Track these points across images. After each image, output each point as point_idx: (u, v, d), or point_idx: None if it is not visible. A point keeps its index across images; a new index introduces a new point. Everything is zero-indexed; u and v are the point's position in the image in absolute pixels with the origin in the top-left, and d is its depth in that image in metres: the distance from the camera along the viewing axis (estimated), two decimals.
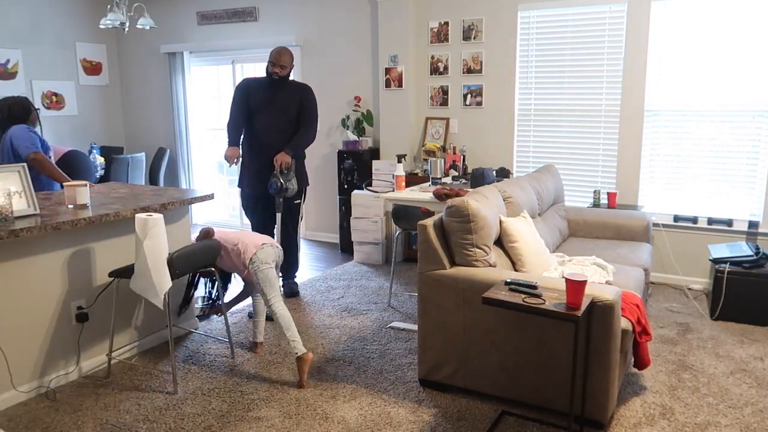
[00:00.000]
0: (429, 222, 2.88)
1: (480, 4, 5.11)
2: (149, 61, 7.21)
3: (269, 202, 4.32)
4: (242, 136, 4.32)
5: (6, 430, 2.67)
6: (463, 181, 4.53)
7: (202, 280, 3.92)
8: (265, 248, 3.26)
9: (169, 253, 2.92)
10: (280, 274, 4.09)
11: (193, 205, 5.01)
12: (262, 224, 4.41)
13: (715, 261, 3.94)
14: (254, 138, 4.27)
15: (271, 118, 4.22)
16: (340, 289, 4.64)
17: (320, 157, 6.17)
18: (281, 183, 4.05)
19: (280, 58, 4.12)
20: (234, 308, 4.22)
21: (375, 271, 5.14)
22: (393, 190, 4.18)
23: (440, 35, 5.32)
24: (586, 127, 4.88)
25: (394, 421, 2.71)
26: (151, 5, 6.94)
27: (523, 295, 2.37)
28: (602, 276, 3.21)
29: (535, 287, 2.41)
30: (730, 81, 4.32)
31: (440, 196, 3.66)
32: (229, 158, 4.24)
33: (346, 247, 5.75)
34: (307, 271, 5.17)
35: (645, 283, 3.58)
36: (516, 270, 3.10)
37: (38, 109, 4.26)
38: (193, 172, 7.17)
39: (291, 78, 4.34)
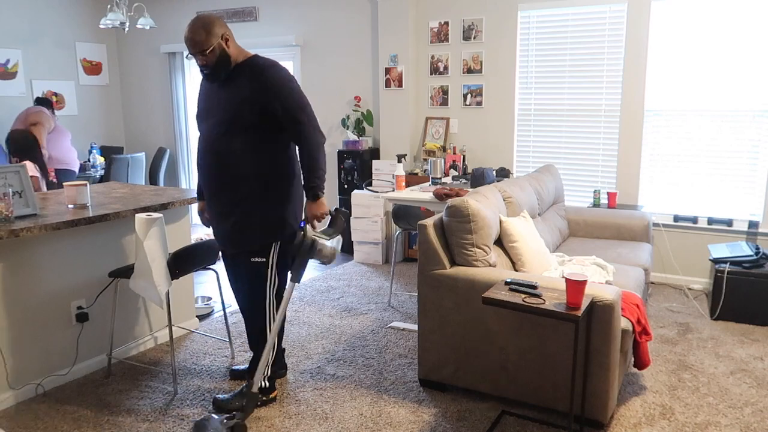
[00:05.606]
0: (429, 222, 2.88)
1: (480, 4, 5.11)
2: (149, 61, 7.21)
3: (227, 261, 2.88)
4: None
5: (5, 430, 2.67)
6: (463, 181, 4.53)
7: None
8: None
9: (169, 253, 2.92)
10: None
11: (193, 205, 4.99)
12: (233, 288, 2.90)
13: (715, 261, 3.94)
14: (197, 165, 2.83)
15: (206, 136, 2.71)
16: (340, 289, 4.64)
17: None
18: (307, 239, 2.58)
19: (193, 42, 2.52)
20: (234, 308, 4.22)
21: (375, 271, 5.14)
22: (393, 190, 4.18)
23: (440, 35, 5.32)
24: (586, 127, 4.88)
25: (394, 421, 2.71)
26: (151, 5, 6.94)
27: (523, 295, 2.37)
28: (602, 276, 3.21)
29: (535, 287, 2.41)
30: (731, 81, 4.32)
31: (440, 196, 3.66)
32: (200, 216, 3.00)
33: (346, 247, 5.75)
34: (307, 270, 5.17)
35: (645, 283, 3.58)
36: (516, 270, 3.10)
37: None
38: (193, 172, 7.17)
39: (241, 56, 2.65)
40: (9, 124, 6.16)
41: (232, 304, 4.31)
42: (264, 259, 2.71)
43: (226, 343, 3.58)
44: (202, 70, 2.62)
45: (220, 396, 2.83)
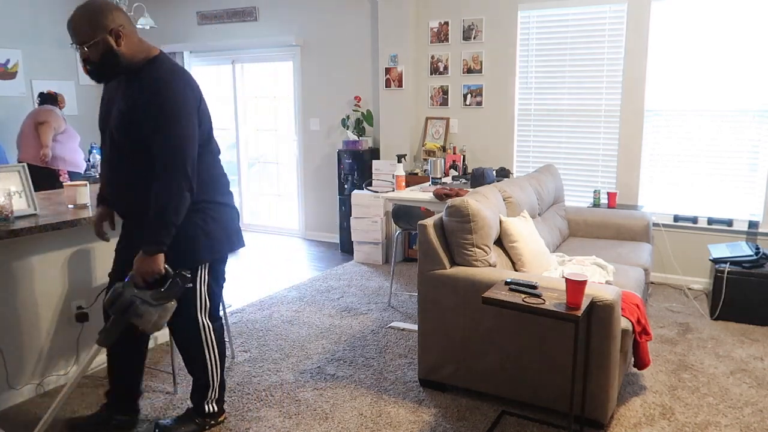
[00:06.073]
0: (429, 222, 2.88)
1: (480, 4, 5.11)
2: None
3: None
4: None
5: (5, 431, 2.67)
6: (463, 181, 4.53)
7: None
8: None
9: None
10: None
11: None
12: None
13: (715, 261, 3.94)
14: None
15: (107, 158, 2.37)
16: (340, 289, 4.64)
17: (320, 157, 6.17)
18: (125, 297, 2.26)
19: (72, 32, 2.15)
20: (234, 308, 4.22)
21: (375, 271, 5.14)
22: (393, 190, 4.18)
23: (440, 35, 5.31)
24: (586, 127, 4.88)
25: (394, 421, 2.71)
26: (151, 5, 6.94)
27: (523, 295, 2.37)
28: (602, 276, 3.21)
29: (535, 287, 2.41)
30: (730, 81, 4.32)
31: (440, 196, 3.66)
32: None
33: (346, 247, 5.75)
34: (307, 271, 5.17)
35: (645, 283, 3.58)
36: (516, 270, 3.10)
37: None
38: None
39: (141, 55, 2.32)
40: (9, 124, 6.17)
41: (232, 303, 4.31)
42: (191, 284, 2.40)
43: (225, 343, 3.57)
44: (84, 66, 2.19)
45: (163, 421, 2.59)
